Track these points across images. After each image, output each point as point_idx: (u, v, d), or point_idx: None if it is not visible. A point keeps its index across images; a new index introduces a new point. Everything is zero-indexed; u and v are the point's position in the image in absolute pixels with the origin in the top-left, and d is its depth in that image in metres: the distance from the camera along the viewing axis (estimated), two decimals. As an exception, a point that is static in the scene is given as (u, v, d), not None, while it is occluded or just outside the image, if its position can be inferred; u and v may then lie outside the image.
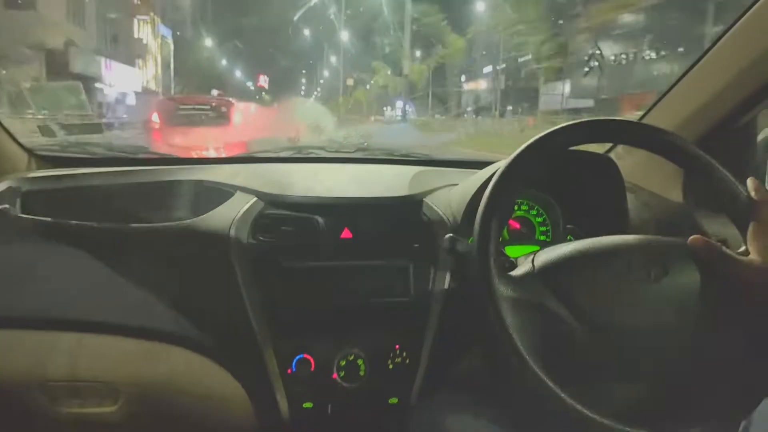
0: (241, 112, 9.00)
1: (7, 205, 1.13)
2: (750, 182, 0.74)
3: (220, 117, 8.24)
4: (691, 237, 0.74)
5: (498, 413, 0.94)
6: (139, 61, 23.94)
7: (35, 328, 1.08)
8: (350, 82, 31.40)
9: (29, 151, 1.35)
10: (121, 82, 20.80)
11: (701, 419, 0.70)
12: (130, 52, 22.91)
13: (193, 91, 23.98)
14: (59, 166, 1.37)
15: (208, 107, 8.55)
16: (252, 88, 36.87)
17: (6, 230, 1.07)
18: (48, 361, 1.08)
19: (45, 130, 1.79)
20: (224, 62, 32.60)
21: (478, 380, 1.13)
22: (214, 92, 28.14)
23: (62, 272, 1.07)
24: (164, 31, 26.40)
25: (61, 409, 1.11)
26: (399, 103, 28.29)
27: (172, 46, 25.87)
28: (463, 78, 29.45)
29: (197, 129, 7.22)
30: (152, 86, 24.76)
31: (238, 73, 36.58)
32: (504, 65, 24.81)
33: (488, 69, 26.58)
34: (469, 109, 26.85)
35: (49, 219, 1.13)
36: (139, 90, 22.79)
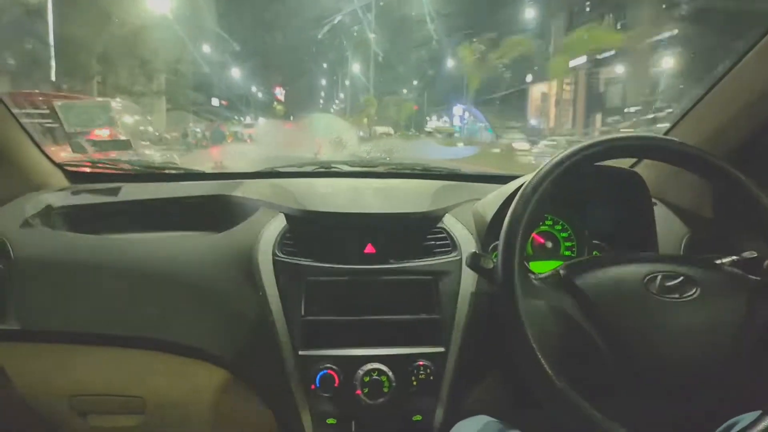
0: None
1: (37, 220, 1.17)
2: None
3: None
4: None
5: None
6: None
7: (64, 341, 1.10)
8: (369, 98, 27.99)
9: (60, 167, 1.39)
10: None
11: None
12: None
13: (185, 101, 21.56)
14: (89, 181, 1.41)
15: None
16: (261, 97, 35.32)
17: (36, 244, 1.10)
18: (75, 375, 1.10)
19: (75, 146, 1.84)
20: (231, 70, 30.56)
21: (502, 399, 1.12)
22: (215, 102, 26.78)
23: (90, 286, 1.09)
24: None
25: (87, 422, 1.13)
26: (458, 109, 22.71)
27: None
28: (528, 78, 23.32)
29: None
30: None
31: (246, 83, 34.66)
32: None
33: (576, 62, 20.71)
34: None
35: (78, 233, 1.16)
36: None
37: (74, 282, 1.08)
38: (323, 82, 40.02)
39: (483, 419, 0.93)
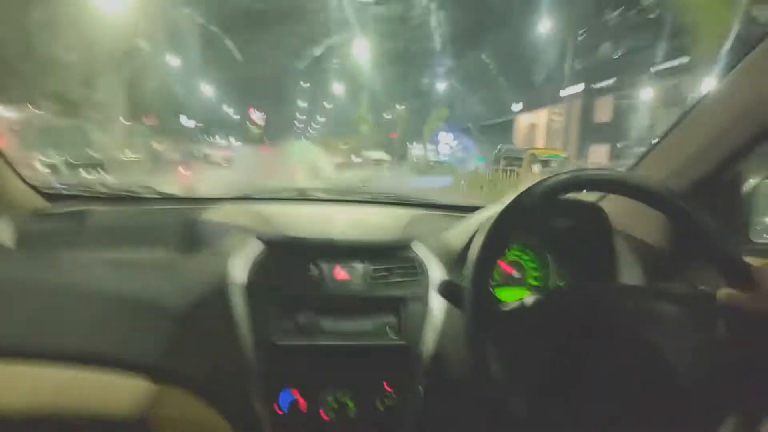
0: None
1: (8, 241, 1.16)
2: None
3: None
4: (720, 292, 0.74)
5: None
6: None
7: (27, 360, 1.06)
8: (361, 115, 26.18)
9: (34, 188, 1.38)
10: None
11: None
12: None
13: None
14: (62, 202, 1.40)
15: None
16: (236, 117, 34.46)
17: (8, 265, 1.09)
18: (36, 394, 1.06)
19: (51, 168, 1.82)
20: (205, 88, 29.81)
21: (471, 422, 1.13)
22: (183, 119, 25.44)
23: (61, 307, 1.07)
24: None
25: None
26: (444, 136, 20.90)
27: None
28: (517, 106, 22.50)
29: None
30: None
31: (219, 102, 34.12)
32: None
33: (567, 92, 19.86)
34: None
35: (50, 255, 1.16)
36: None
37: (40, 302, 1.07)
38: (302, 107, 39.85)
39: None
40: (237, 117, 35.65)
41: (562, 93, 20.08)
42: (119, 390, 1.08)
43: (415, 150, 23.07)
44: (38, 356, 1.05)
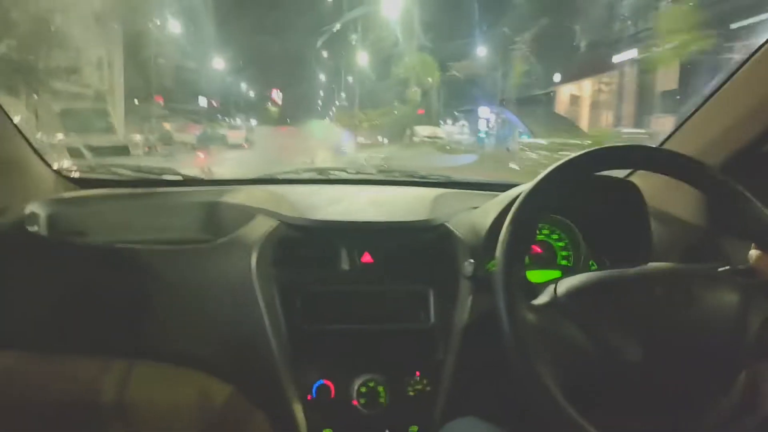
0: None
1: (36, 227, 1.16)
2: None
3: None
4: (751, 253, 0.73)
5: None
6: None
7: (64, 350, 1.10)
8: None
9: (58, 173, 1.39)
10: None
11: None
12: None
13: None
14: (87, 187, 1.41)
15: None
16: (255, 99, 33.79)
17: (36, 251, 1.10)
18: (72, 385, 1.10)
19: (73, 152, 1.83)
20: (222, 68, 28.50)
21: (500, 409, 1.11)
22: (202, 100, 25.27)
23: (88, 294, 1.09)
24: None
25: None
26: (483, 110, 18.25)
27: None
28: (557, 78, 19.82)
29: None
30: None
31: (240, 83, 33.40)
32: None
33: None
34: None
35: (75, 240, 1.16)
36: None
37: (73, 289, 1.08)
38: (322, 84, 39.14)
39: (472, 421, 0.94)
40: (254, 97, 35.24)
41: (615, 59, 17.57)
42: (151, 377, 1.12)
43: (448, 127, 20.80)
44: (68, 346, 1.08)
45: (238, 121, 25.04)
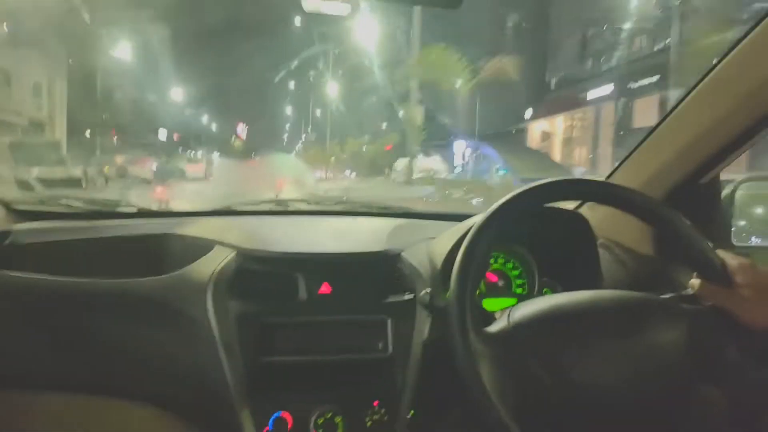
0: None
1: None
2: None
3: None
4: (692, 282, 0.77)
5: None
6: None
7: (4, 387, 1.05)
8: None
9: (6, 205, 1.34)
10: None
11: None
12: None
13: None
14: (37, 219, 1.36)
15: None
16: (219, 132, 33.21)
17: None
18: (19, 423, 1.06)
19: (23, 185, 1.77)
20: (182, 101, 28.56)
21: None
22: (162, 132, 24.50)
23: (33, 329, 1.06)
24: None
25: None
26: (460, 145, 17.56)
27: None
28: (528, 113, 19.81)
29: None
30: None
31: (201, 116, 33.31)
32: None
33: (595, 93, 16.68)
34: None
35: (21, 274, 1.11)
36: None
37: (21, 325, 1.06)
38: (287, 119, 38.93)
39: None
40: (217, 130, 35.05)
41: (589, 95, 17.88)
42: (103, 414, 1.08)
43: (420, 162, 19.41)
44: (22, 383, 1.05)
45: (198, 155, 24.42)
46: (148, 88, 23.56)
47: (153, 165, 16.51)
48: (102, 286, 1.11)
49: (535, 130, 21.38)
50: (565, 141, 19.90)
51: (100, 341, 1.06)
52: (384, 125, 23.66)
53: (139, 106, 22.11)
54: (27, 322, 1.05)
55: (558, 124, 19.96)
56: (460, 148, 18.58)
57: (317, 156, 23.12)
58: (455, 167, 17.97)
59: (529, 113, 20.46)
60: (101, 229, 1.31)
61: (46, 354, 1.05)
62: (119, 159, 15.68)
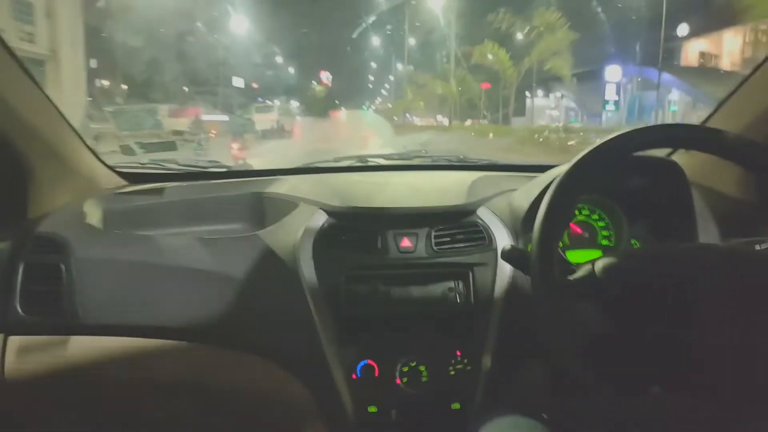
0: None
1: (95, 221, 1.24)
2: None
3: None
4: None
5: (559, 422, 0.93)
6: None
7: (117, 334, 1.15)
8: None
9: (111, 169, 1.47)
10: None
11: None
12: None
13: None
14: (139, 182, 1.48)
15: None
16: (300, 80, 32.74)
17: (94, 244, 1.16)
18: (129, 365, 1.15)
19: (125, 150, 1.93)
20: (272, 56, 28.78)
21: (540, 387, 1.13)
22: (237, 80, 23.91)
23: (142, 283, 1.14)
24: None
25: (139, 407, 1.20)
26: (613, 72, 13.65)
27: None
28: (682, 29, 14.96)
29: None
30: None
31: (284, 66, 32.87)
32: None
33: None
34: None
35: (129, 232, 1.23)
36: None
37: (128, 279, 1.14)
38: (373, 68, 38.34)
39: (514, 419, 0.94)
40: (300, 80, 34.74)
41: None
42: (201, 359, 1.16)
43: (537, 100, 16.34)
44: (126, 331, 1.13)
45: (269, 103, 22.55)
46: (241, 45, 23.91)
47: (224, 118, 15.43)
48: (201, 241, 1.19)
49: (690, 50, 15.91)
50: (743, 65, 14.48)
51: (199, 292, 1.14)
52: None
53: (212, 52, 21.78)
54: (136, 275, 1.14)
55: (725, 42, 14.38)
56: (613, 76, 13.54)
57: (398, 107, 22.68)
58: (607, 103, 13.75)
59: (683, 29, 14.99)
60: (196, 188, 1.42)
61: (148, 304, 1.13)
62: (163, 109, 13.76)
